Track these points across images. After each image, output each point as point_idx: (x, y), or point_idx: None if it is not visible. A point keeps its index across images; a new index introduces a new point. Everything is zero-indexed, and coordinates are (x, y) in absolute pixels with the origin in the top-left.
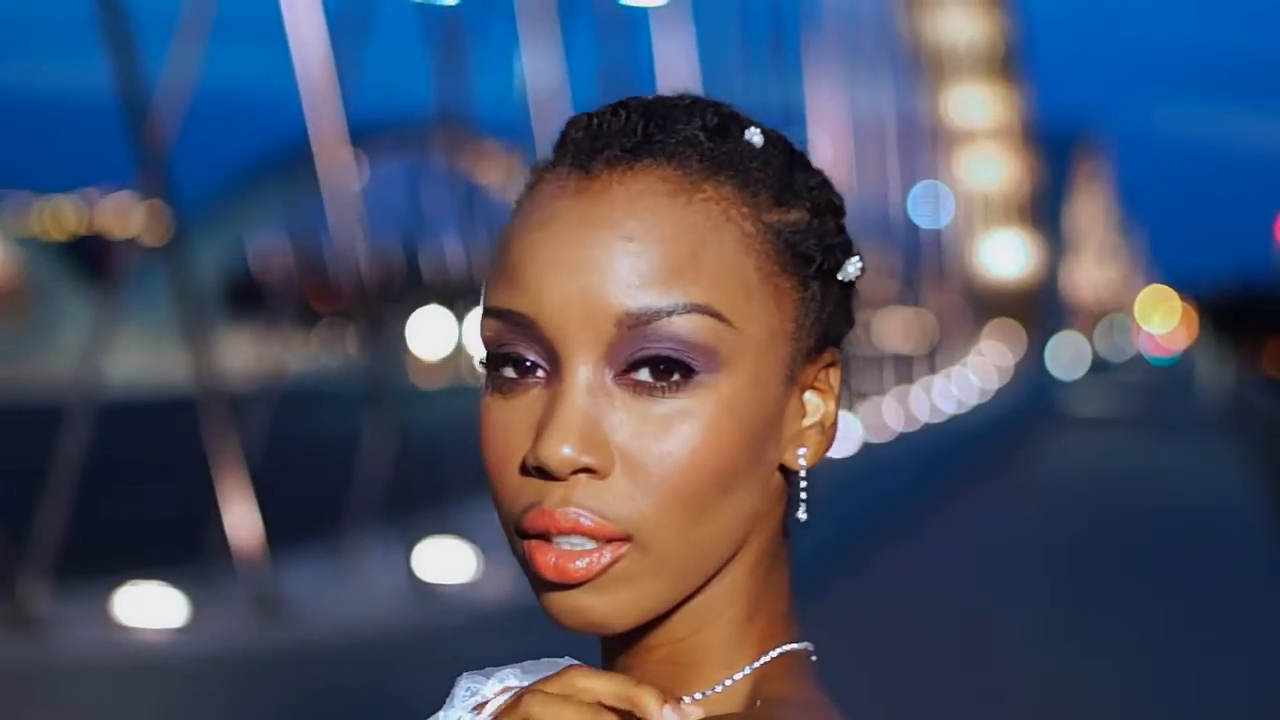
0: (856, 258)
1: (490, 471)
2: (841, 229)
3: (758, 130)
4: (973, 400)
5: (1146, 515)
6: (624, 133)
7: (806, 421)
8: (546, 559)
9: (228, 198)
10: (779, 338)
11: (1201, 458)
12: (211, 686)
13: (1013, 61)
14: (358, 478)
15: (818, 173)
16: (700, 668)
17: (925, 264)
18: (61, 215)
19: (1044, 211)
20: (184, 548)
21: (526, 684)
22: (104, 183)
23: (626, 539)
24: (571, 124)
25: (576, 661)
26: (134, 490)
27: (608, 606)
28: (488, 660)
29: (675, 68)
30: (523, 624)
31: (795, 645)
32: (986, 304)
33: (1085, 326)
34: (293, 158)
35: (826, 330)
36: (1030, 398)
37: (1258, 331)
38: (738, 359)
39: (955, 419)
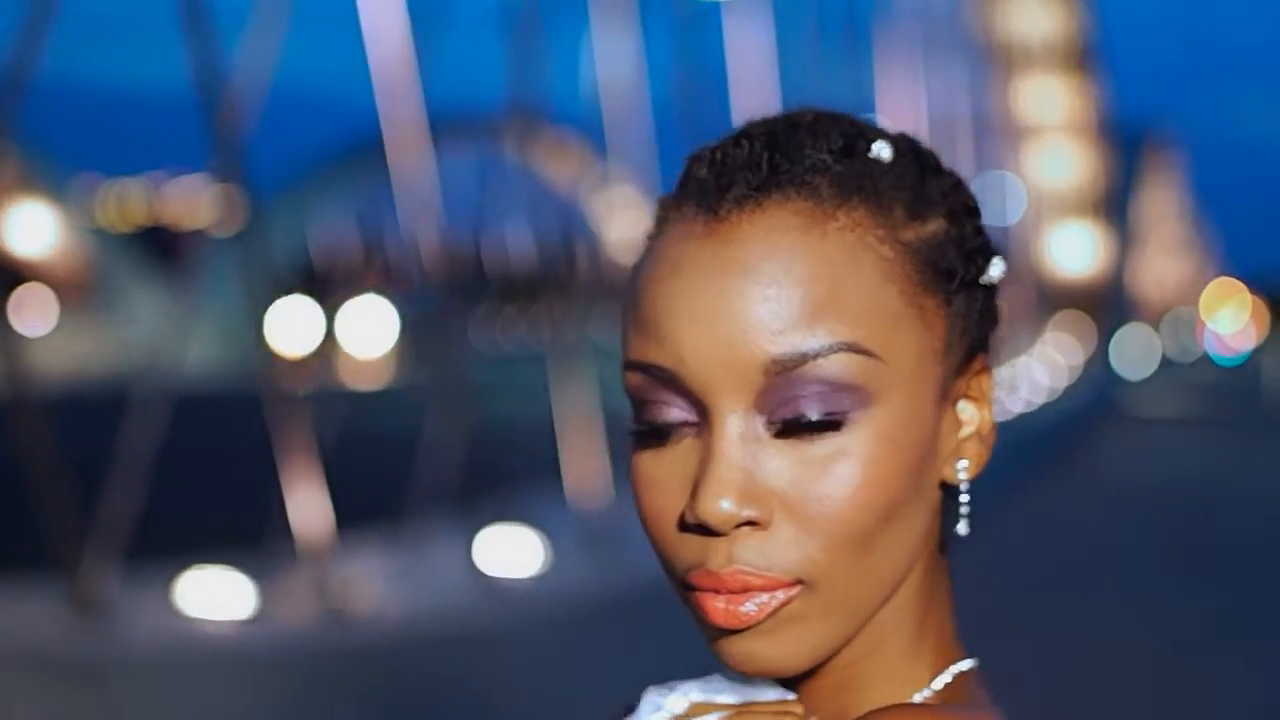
0: (998, 258)
1: (648, 526)
2: (980, 231)
3: (885, 143)
4: (1040, 399)
5: (1213, 515)
6: (749, 167)
7: (963, 433)
8: (717, 606)
9: (298, 188)
10: (929, 359)
11: (1271, 460)
12: (275, 675)
13: (1087, 55)
14: (423, 466)
15: (949, 175)
16: (873, 692)
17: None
18: (130, 202)
19: (1114, 206)
20: (251, 536)
21: (710, 699)
22: (172, 167)
23: (797, 584)
24: (694, 160)
25: (781, 690)
26: (203, 479)
27: (782, 651)
28: (549, 650)
29: (748, 60)
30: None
31: (967, 664)
32: (1054, 298)
33: (1152, 322)
34: (365, 149)
35: (975, 338)
36: (1097, 398)
37: None
38: (890, 390)
39: (1023, 417)
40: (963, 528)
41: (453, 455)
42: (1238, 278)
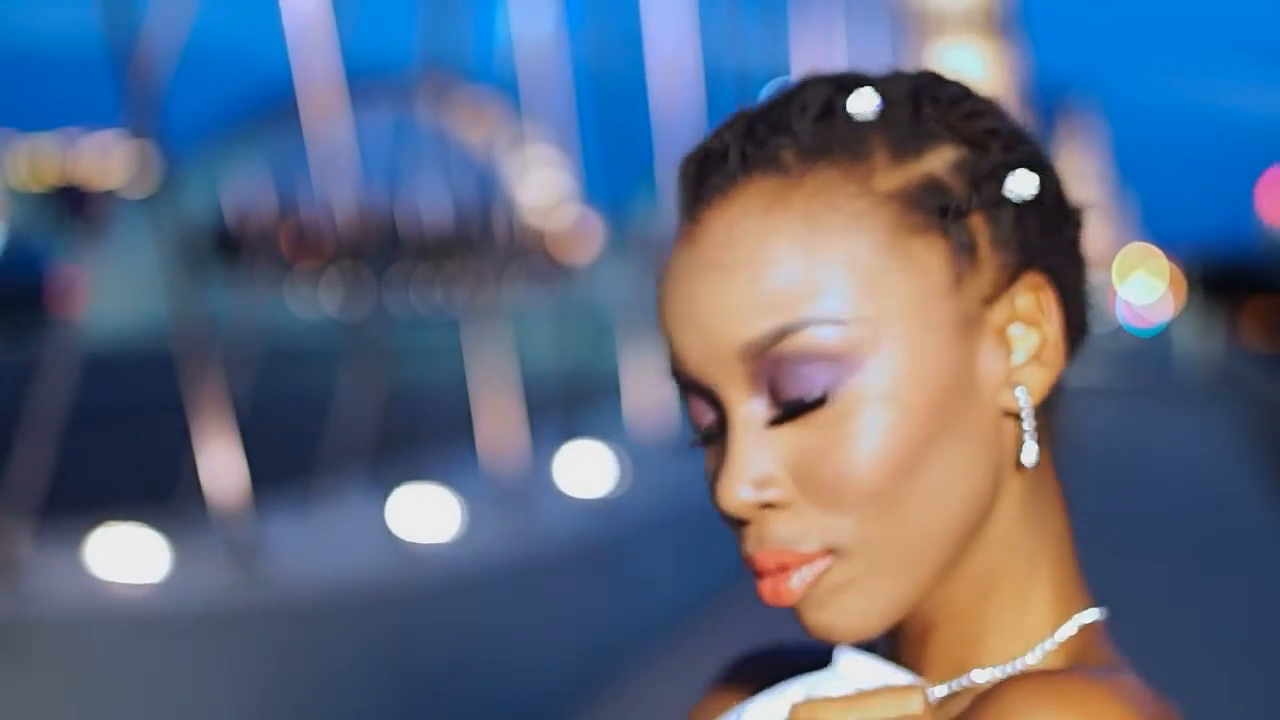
0: (1022, 171)
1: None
2: (1009, 148)
3: (870, 92)
4: None
5: (1131, 483)
6: (720, 158)
7: (1017, 359)
8: (764, 587)
9: (212, 147)
10: (932, 299)
11: (1187, 430)
12: (188, 635)
13: (1006, 21)
14: (337, 427)
15: (962, 101)
16: (990, 641)
17: None
18: (42, 160)
19: None
20: (164, 496)
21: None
22: (86, 124)
23: (829, 554)
24: (683, 163)
25: (894, 669)
26: (114, 439)
27: (846, 619)
28: (464, 611)
29: (666, 19)
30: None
31: (1093, 614)
32: None
33: None
34: (279, 109)
35: (1017, 257)
36: None
37: (1242, 299)
38: (880, 345)
39: None
40: (1028, 456)
41: (367, 417)
42: (1154, 244)
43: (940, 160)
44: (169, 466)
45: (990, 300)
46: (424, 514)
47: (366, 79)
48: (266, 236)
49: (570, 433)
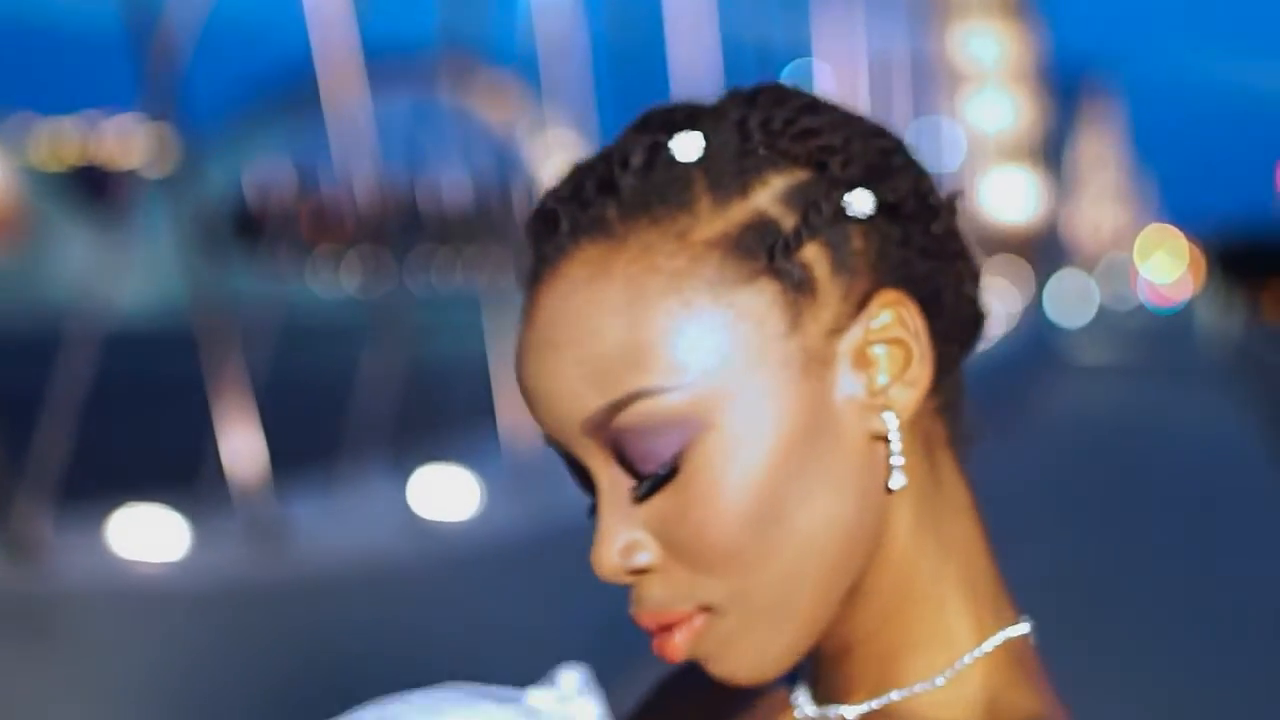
0: (860, 187)
1: None
2: (849, 161)
3: (692, 134)
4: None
5: (1149, 460)
6: (547, 228)
7: (881, 381)
8: (655, 647)
9: (232, 128)
10: (768, 345)
11: (1205, 407)
12: (209, 614)
13: (1026, 1)
14: (358, 407)
15: (796, 120)
16: (906, 659)
17: None
18: (62, 141)
19: (1051, 152)
20: (184, 476)
21: None
22: (107, 106)
23: (703, 611)
24: (526, 226)
25: None
26: (136, 419)
27: (743, 668)
28: (482, 589)
29: (686, 1)
30: (526, 553)
31: (1017, 630)
32: (991, 244)
33: (1087, 268)
34: (300, 89)
35: (868, 276)
36: (1034, 345)
37: (1262, 278)
38: (721, 403)
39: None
40: (895, 481)
41: (387, 396)
42: (1174, 224)
43: (769, 193)
44: (190, 446)
45: (839, 330)
46: (444, 493)
47: (386, 59)
48: (287, 217)
49: None
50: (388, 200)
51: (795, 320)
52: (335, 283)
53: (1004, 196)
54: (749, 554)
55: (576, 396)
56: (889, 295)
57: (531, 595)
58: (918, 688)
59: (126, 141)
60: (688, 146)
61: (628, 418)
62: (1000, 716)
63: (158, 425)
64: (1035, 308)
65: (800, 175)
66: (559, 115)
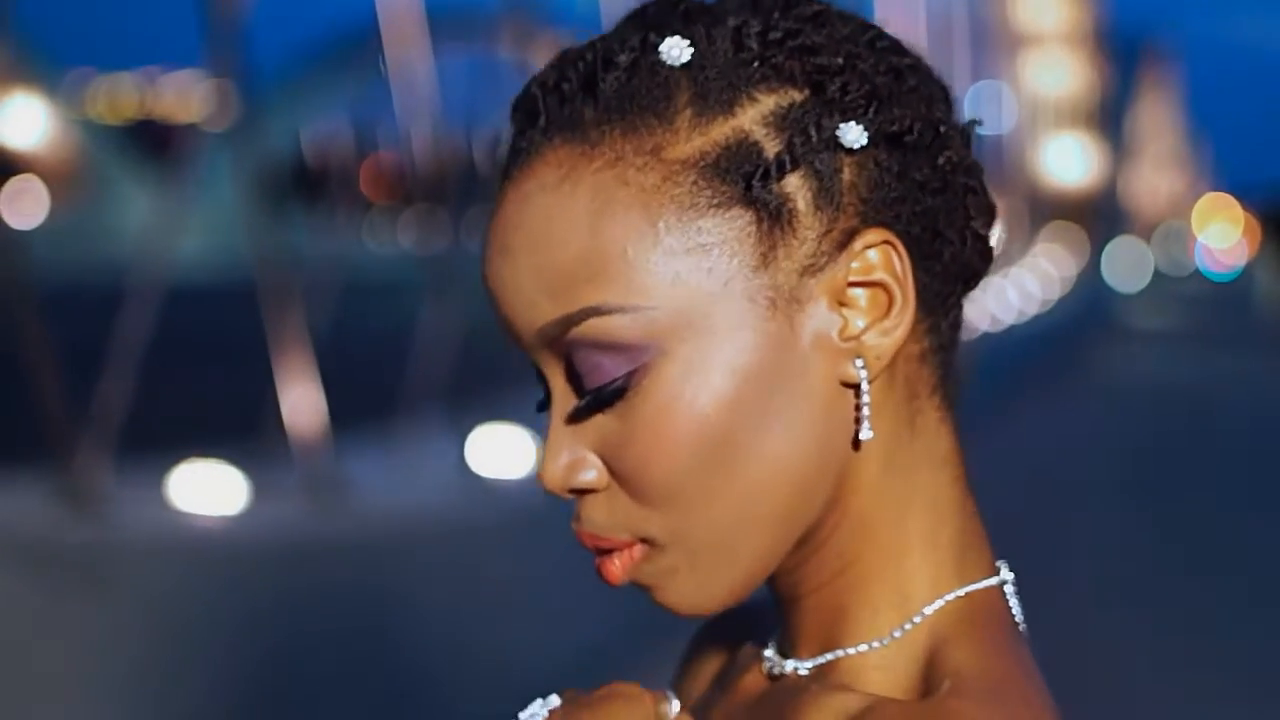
0: (853, 123)
1: None
2: (850, 85)
3: (677, 39)
4: (1032, 310)
5: (1208, 423)
6: (527, 117)
7: (857, 325)
8: (596, 566)
9: (292, 83)
10: (735, 278)
11: (1261, 372)
12: (266, 569)
13: None
14: (416, 364)
15: (799, 32)
16: (858, 612)
17: (987, 168)
18: (121, 96)
19: (1108, 118)
20: (244, 430)
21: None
22: (166, 62)
23: (641, 543)
24: (510, 111)
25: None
26: (196, 373)
27: (685, 601)
28: (538, 546)
29: None
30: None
31: (979, 584)
32: (1047, 209)
33: (1144, 235)
34: (360, 45)
35: (855, 212)
36: (1089, 310)
37: None
38: (679, 332)
39: (1014, 328)
40: (864, 432)
41: (446, 353)
42: (1230, 192)
43: (756, 113)
44: (250, 400)
45: (816, 268)
46: (501, 452)
47: (448, 16)
48: (346, 174)
49: None
50: (445, 158)
51: (768, 254)
52: (392, 240)
53: (1061, 161)
54: (691, 492)
55: (532, 305)
56: (875, 234)
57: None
58: (863, 646)
59: (185, 96)
60: (675, 51)
61: (580, 332)
62: (934, 673)
63: (218, 380)
64: (1093, 272)
65: (793, 95)
66: None
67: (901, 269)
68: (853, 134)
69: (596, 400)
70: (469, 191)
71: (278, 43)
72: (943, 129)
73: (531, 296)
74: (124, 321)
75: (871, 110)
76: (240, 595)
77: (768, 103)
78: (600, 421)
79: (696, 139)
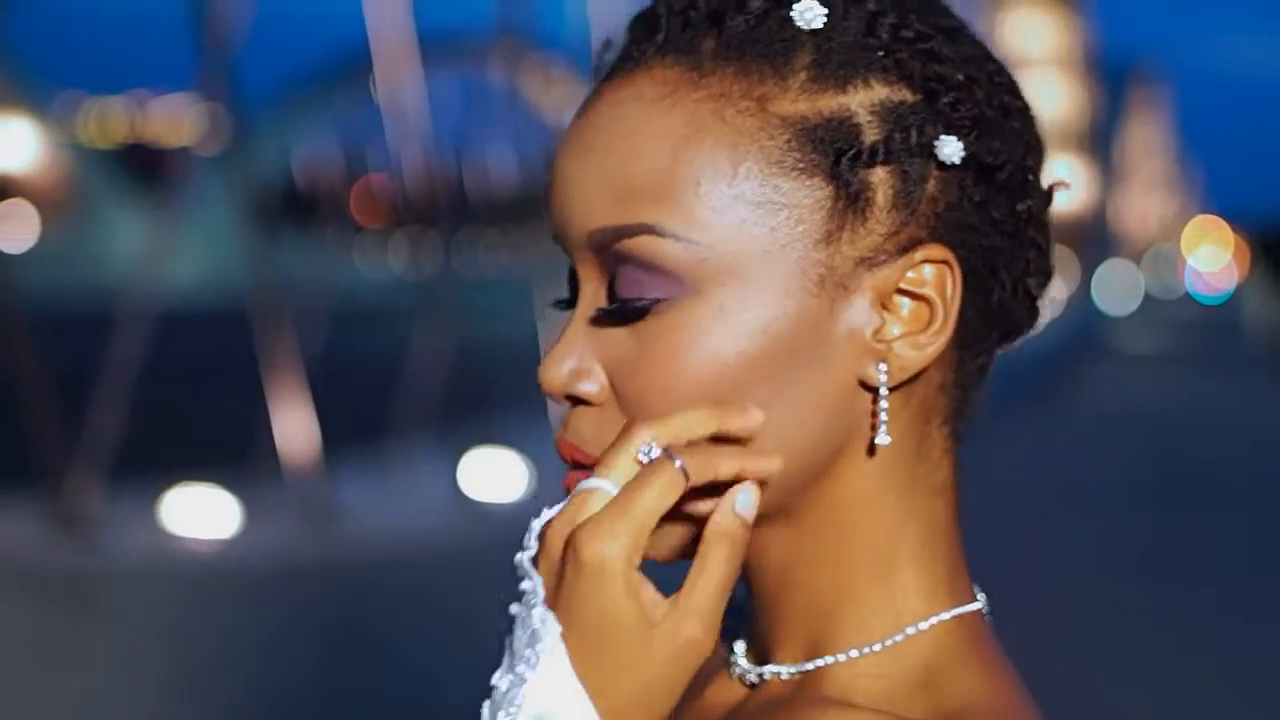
0: (954, 139)
1: None
2: (961, 101)
3: (815, 4)
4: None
5: (1197, 449)
6: (646, 29)
7: (892, 332)
8: (565, 478)
9: (283, 106)
10: (795, 244)
11: (1248, 395)
12: (258, 593)
13: None
14: (408, 388)
15: (929, 38)
16: (846, 620)
17: None
18: (112, 119)
19: (1098, 141)
20: (236, 453)
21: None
22: (156, 85)
23: None
24: (630, 23)
25: None
26: (188, 396)
27: None
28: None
29: None
30: None
31: (969, 608)
32: None
33: (1134, 258)
34: (351, 68)
35: (925, 223)
36: (1080, 333)
37: None
38: (724, 277)
39: (1003, 351)
40: (881, 438)
41: (437, 377)
42: (1220, 215)
43: (866, 97)
44: (242, 424)
45: (871, 263)
46: (493, 476)
47: (439, 41)
48: (336, 197)
49: None
50: (436, 182)
51: (833, 233)
52: (383, 263)
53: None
54: None
55: (593, 206)
56: (938, 250)
57: None
58: (854, 652)
59: (175, 120)
60: (810, 14)
61: (630, 245)
62: (937, 694)
63: (209, 404)
64: (1083, 295)
65: (905, 94)
66: None
67: (951, 292)
68: (950, 149)
69: (623, 311)
70: (459, 214)
71: (268, 66)
72: (1030, 178)
73: (595, 198)
74: (116, 346)
75: (974, 135)
76: (233, 618)
77: (880, 92)
78: (618, 338)
79: (803, 102)
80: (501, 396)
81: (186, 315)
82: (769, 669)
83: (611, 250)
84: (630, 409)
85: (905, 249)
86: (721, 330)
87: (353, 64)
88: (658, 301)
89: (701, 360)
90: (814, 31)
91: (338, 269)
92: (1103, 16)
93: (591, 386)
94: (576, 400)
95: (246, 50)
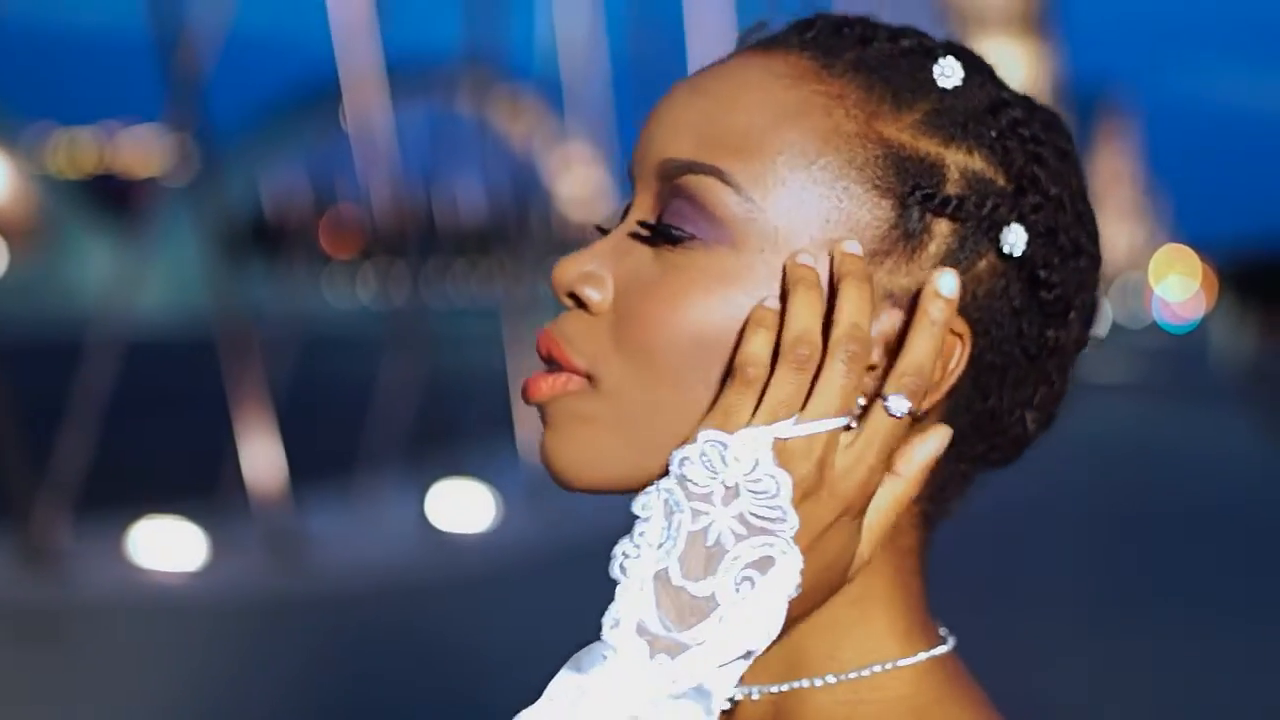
0: (1023, 230)
1: None
2: (1040, 207)
3: (959, 66)
4: None
5: (1162, 480)
6: (798, 28)
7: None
8: (525, 381)
9: (252, 137)
10: (810, 245)
11: (1217, 426)
12: (226, 625)
13: (1043, 18)
14: (376, 419)
15: (1037, 141)
16: (816, 647)
17: None
18: (81, 150)
19: None
20: (204, 484)
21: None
22: (125, 116)
23: (587, 377)
24: (795, 22)
25: None
26: (156, 428)
27: (566, 450)
28: (499, 602)
29: (706, 18)
30: (541, 563)
31: (945, 648)
32: None
33: (1102, 287)
34: (320, 99)
35: (962, 298)
36: None
37: (1275, 298)
38: (764, 239)
39: None
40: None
41: (405, 408)
42: (1188, 244)
43: (962, 161)
44: (210, 455)
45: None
46: (461, 507)
47: (407, 72)
48: (305, 227)
49: None
50: (404, 212)
51: (877, 253)
52: (351, 294)
53: None
54: (665, 368)
55: (678, 138)
56: (960, 324)
57: (546, 608)
58: (830, 679)
59: (144, 150)
60: (950, 72)
61: (694, 181)
62: None
63: (176, 435)
64: None
65: (999, 177)
66: (577, 129)
67: (953, 366)
68: (1015, 237)
69: (660, 232)
70: (428, 245)
71: (237, 97)
72: (1071, 316)
73: (684, 133)
74: (83, 376)
75: (1041, 242)
76: (200, 650)
77: (977, 163)
78: (643, 258)
79: (906, 135)
80: (469, 427)
81: (154, 346)
82: (740, 690)
83: (675, 182)
84: (625, 329)
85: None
86: (741, 287)
87: (322, 95)
88: (694, 239)
89: (709, 306)
90: (944, 88)
91: (306, 299)
92: (1071, 47)
93: (596, 294)
94: (578, 304)
95: (215, 81)
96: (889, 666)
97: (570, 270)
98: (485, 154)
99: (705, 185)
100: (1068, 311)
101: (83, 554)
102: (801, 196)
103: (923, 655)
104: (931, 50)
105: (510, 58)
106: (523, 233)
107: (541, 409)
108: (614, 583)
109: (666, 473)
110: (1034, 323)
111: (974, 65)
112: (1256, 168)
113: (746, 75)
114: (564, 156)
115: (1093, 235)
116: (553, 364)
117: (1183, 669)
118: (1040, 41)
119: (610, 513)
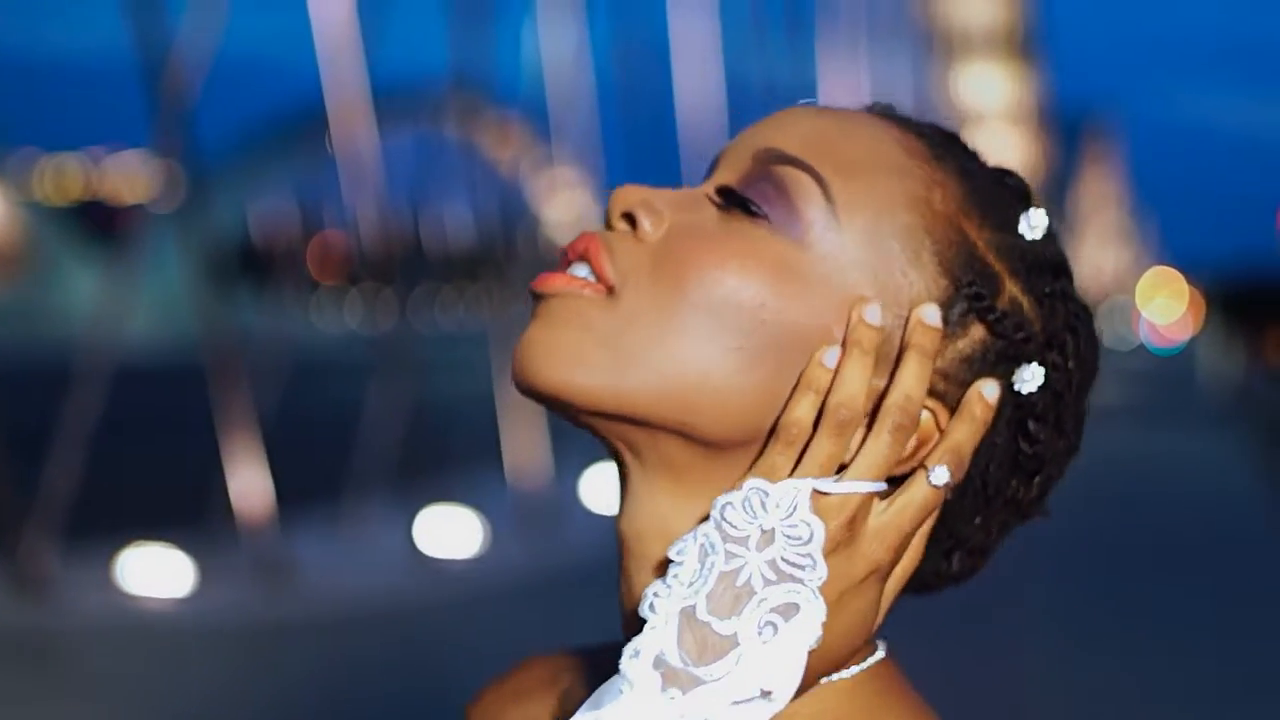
0: (1042, 375)
1: None
2: (1063, 366)
3: (1046, 222)
4: None
5: (1149, 504)
6: (918, 122)
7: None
8: (544, 273)
9: (239, 163)
10: (888, 289)
11: (1205, 449)
12: (214, 652)
13: (1029, 43)
14: (363, 445)
15: (1079, 315)
16: None
17: None
18: (66, 177)
19: (1053, 194)
20: (191, 511)
21: None
22: (111, 142)
23: (609, 291)
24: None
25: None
26: (143, 455)
27: (548, 343)
28: (487, 628)
29: (691, 43)
30: (528, 591)
31: (878, 656)
32: None
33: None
34: (306, 125)
35: (952, 400)
36: None
37: (1262, 320)
38: (827, 250)
39: None
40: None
41: (393, 433)
42: (1175, 266)
43: (1017, 294)
44: (197, 481)
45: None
46: (449, 532)
47: (394, 97)
48: (292, 253)
49: (596, 452)
50: (392, 238)
51: (895, 310)
52: (339, 319)
53: None
54: (690, 315)
55: (787, 137)
56: (942, 412)
57: (535, 634)
58: None
59: (130, 177)
60: (1035, 223)
61: (789, 172)
62: None
63: (164, 461)
64: None
65: (1037, 327)
66: (564, 154)
67: (922, 437)
68: (1030, 376)
69: (735, 198)
70: (416, 270)
71: (224, 123)
72: (1040, 478)
73: (795, 136)
74: (71, 403)
75: (1047, 398)
76: (189, 677)
77: (1026, 305)
78: (710, 216)
79: (982, 243)
80: (457, 453)
81: (142, 372)
82: None
83: (770, 167)
84: (667, 262)
85: (937, 394)
86: (788, 280)
87: (309, 120)
88: (767, 219)
89: (754, 277)
90: (1022, 232)
91: (293, 325)
92: (1057, 70)
93: (648, 224)
94: (631, 223)
95: (202, 107)
96: (823, 681)
97: (635, 194)
98: (472, 179)
99: (799, 179)
100: (1035, 474)
101: (70, 580)
102: (879, 238)
103: (854, 669)
104: (1027, 196)
105: (497, 83)
106: (510, 257)
107: (541, 301)
108: (601, 609)
109: (706, 518)
110: (1004, 465)
111: (1054, 227)
112: (1242, 190)
113: (868, 123)
114: (551, 181)
115: (1079, 429)
116: (576, 267)
117: (1167, 697)
118: (1025, 65)
119: (597, 540)
